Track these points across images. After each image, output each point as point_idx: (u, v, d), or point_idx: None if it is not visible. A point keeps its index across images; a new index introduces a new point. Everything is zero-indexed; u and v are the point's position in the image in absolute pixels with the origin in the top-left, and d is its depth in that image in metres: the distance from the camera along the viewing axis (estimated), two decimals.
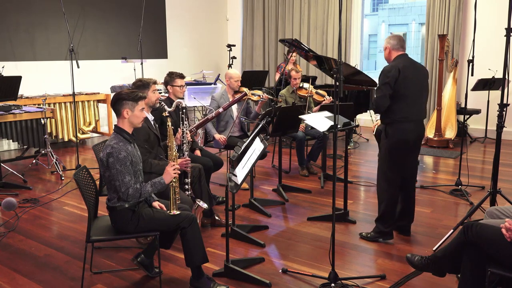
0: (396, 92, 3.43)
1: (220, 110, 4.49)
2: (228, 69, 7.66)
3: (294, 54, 7.62)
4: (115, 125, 2.90)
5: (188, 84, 7.57)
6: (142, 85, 3.60)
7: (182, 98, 4.29)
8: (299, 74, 5.87)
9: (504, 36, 3.50)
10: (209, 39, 9.86)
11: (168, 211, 2.88)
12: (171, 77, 4.23)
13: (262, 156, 3.11)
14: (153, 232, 2.89)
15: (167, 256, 3.37)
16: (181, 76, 4.25)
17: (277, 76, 7.81)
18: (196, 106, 7.78)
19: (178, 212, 2.88)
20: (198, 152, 4.39)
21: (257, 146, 3.11)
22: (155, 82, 3.80)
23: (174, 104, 4.07)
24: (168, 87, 4.23)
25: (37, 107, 5.99)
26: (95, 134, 7.70)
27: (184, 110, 3.83)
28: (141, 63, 7.00)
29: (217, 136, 4.83)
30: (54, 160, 5.63)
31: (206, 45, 9.78)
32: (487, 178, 5.03)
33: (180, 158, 3.58)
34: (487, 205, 3.63)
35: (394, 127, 3.50)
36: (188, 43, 9.42)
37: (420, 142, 3.68)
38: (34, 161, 5.88)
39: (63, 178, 5.44)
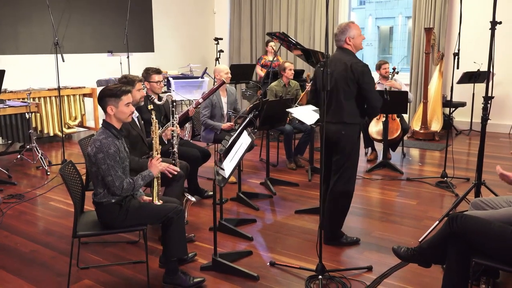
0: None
1: (200, 100, 4.48)
2: (216, 62, 7.64)
3: (272, 44, 7.61)
4: (103, 120, 2.88)
5: (175, 78, 7.52)
6: (127, 82, 3.57)
7: (164, 93, 4.27)
8: (293, 65, 5.88)
9: (489, 29, 3.54)
10: (196, 33, 9.80)
11: (151, 201, 2.89)
12: (148, 73, 4.18)
13: (250, 148, 3.10)
14: (141, 226, 2.87)
15: (155, 251, 3.36)
16: (158, 72, 4.20)
17: (258, 68, 7.78)
18: (183, 100, 7.74)
19: (160, 202, 2.88)
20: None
21: (245, 140, 3.11)
22: (141, 80, 3.76)
23: (164, 98, 4.05)
24: (146, 83, 4.17)
25: (22, 102, 5.91)
26: (81, 129, 7.62)
27: (174, 104, 3.82)
28: (127, 57, 6.93)
29: (224, 125, 4.84)
30: (40, 155, 5.57)
31: (193, 39, 9.72)
32: (472, 170, 5.09)
33: (168, 163, 3.55)
34: (472, 196, 3.68)
35: (359, 128, 3.47)
36: (175, 37, 9.35)
37: None
38: (18, 156, 5.81)
39: (48, 173, 5.38)
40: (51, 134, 6.99)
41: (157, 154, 3.04)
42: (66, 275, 2.93)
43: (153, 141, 3.09)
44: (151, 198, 2.98)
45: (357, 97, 3.33)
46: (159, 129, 4.00)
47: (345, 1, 8.72)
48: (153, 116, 3.17)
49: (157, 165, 2.94)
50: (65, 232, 3.75)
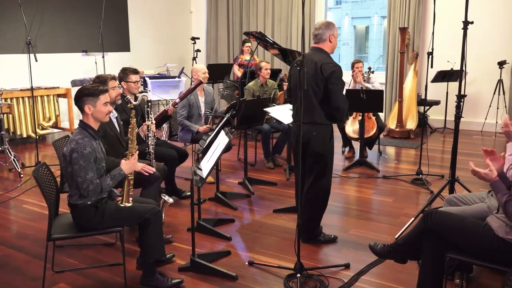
0: None
1: (177, 100, 4.45)
2: (193, 62, 7.60)
3: (249, 44, 7.63)
4: (80, 120, 2.84)
5: (151, 77, 7.45)
6: (100, 82, 3.52)
7: (141, 93, 4.23)
8: (269, 65, 5.88)
9: (462, 29, 3.61)
10: (172, 32, 9.72)
11: (120, 203, 2.82)
12: (125, 73, 4.12)
13: (228, 148, 3.09)
14: (118, 227, 2.84)
15: (132, 252, 3.32)
16: (135, 72, 4.16)
17: (235, 67, 7.79)
18: (160, 100, 7.68)
19: (130, 204, 2.81)
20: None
21: (222, 140, 3.10)
22: (113, 78, 3.72)
23: (139, 98, 4.01)
24: (122, 83, 4.12)
25: None
26: (55, 130, 7.47)
27: (149, 104, 3.79)
28: (103, 56, 6.84)
29: (201, 128, 4.81)
30: (12, 157, 5.44)
31: (170, 38, 9.65)
32: (446, 167, 5.18)
33: (145, 163, 3.52)
34: (446, 193, 3.75)
35: (332, 129, 3.43)
36: (151, 36, 9.25)
37: None
38: None
39: (22, 175, 5.26)
40: (24, 135, 6.84)
41: (132, 155, 2.96)
42: (41, 279, 2.88)
43: (129, 143, 3.00)
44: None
45: (327, 97, 3.27)
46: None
47: (321, 1, 8.79)
48: (132, 115, 3.09)
49: (132, 164, 2.84)
50: (39, 236, 3.67)
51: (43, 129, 7.07)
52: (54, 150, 3.68)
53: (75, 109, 2.88)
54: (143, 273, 2.90)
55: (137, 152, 2.95)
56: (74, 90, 6.81)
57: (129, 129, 3.00)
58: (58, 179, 3.31)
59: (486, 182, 2.38)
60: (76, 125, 2.87)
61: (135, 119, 3.07)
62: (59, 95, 7.22)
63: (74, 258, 3.32)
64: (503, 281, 1.92)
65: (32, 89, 5.67)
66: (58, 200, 3.03)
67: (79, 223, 2.81)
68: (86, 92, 2.78)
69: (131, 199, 2.87)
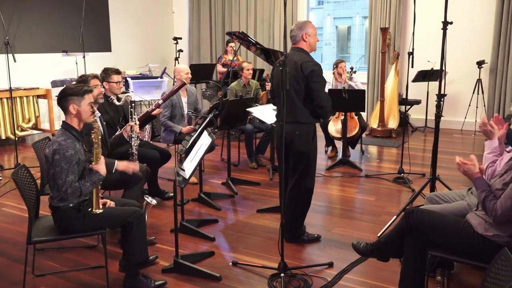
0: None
1: (160, 102, 4.43)
2: (175, 62, 7.56)
3: (232, 44, 7.64)
4: (63, 121, 2.79)
5: (133, 78, 7.38)
6: (82, 81, 3.49)
7: (123, 93, 4.20)
8: (251, 65, 5.89)
9: (441, 29, 3.66)
10: (154, 32, 9.66)
11: (90, 209, 2.74)
12: (107, 73, 4.09)
13: (211, 148, 3.08)
14: (100, 230, 2.81)
15: (114, 254, 3.28)
16: (117, 72, 4.12)
17: (219, 66, 7.78)
18: (142, 101, 7.61)
19: (100, 211, 2.74)
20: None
21: (205, 140, 3.09)
22: (95, 76, 3.69)
23: (123, 99, 3.98)
24: (104, 83, 4.08)
25: None
26: (35, 131, 7.34)
27: (133, 104, 3.76)
28: (83, 57, 6.75)
29: (184, 129, 4.79)
30: None
31: (152, 38, 9.58)
32: (427, 166, 5.25)
33: (130, 162, 3.49)
34: (427, 191, 3.80)
35: (315, 128, 3.45)
36: (132, 36, 9.17)
37: None
38: None
39: (0, 178, 5.16)
40: (3, 137, 6.70)
41: (99, 159, 2.80)
42: (21, 283, 2.83)
43: (94, 147, 2.77)
44: (106, 201, 2.91)
45: (309, 96, 3.30)
46: (117, 131, 3.93)
47: (303, 1, 8.82)
48: (93, 120, 2.83)
49: (103, 163, 2.76)
50: (19, 239, 3.60)
51: (22, 130, 6.95)
52: (34, 152, 3.62)
53: (55, 110, 2.83)
54: (126, 275, 2.87)
55: (102, 156, 2.83)
56: (54, 91, 6.71)
57: (93, 134, 2.76)
58: (38, 181, 3.25)
59: (467, 180, 2.41)
60: (56, 126, 2.82)
61: (98, 124, 2.87)
62: (38, 96, 7.09)
63: (55, 261, 3.27)
64: (483, 277, 1.96)
65: (10, 90, 5.57)
66: (39, 203, 2.98)
67: (61, 225, 2.77)
68: (71, 92, 2.74)
69: (101, 205, 2.81)
